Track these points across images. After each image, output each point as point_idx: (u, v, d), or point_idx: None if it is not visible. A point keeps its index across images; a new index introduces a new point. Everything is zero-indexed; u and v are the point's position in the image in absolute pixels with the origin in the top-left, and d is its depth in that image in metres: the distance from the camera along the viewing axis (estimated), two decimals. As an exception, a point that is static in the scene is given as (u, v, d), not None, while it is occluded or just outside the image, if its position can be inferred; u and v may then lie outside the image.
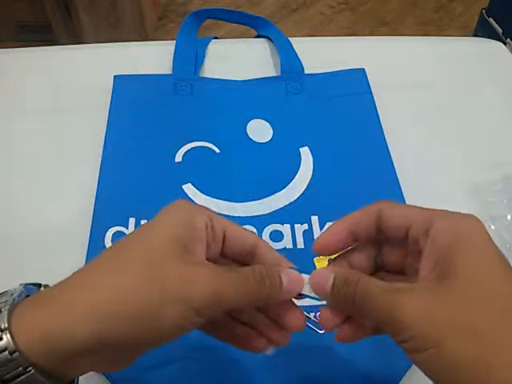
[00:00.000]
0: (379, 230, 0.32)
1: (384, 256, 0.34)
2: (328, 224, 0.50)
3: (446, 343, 0.26)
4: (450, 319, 0.26)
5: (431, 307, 0.27)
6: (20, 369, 0.25)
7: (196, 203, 0.51)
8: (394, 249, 0.33)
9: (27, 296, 0.29)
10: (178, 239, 0.29)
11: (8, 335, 0.25)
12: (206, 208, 0.33)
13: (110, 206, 0.50)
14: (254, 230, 0.49)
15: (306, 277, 0.32)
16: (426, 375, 0.28)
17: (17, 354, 0.25)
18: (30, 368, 0.26)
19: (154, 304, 0.27)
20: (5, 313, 0.26)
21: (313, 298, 0.31)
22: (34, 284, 0.31)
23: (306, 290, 0.31)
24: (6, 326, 0.26)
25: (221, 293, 0.28)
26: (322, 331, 0.43)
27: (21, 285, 0.30)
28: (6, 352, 0.25)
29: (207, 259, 0.31)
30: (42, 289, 0.31)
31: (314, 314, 0.44)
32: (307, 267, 0.46)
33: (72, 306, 0.26)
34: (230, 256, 0.34)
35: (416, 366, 0.28)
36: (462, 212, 0.31)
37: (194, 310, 0.27)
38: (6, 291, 0.29)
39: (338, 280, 0.30)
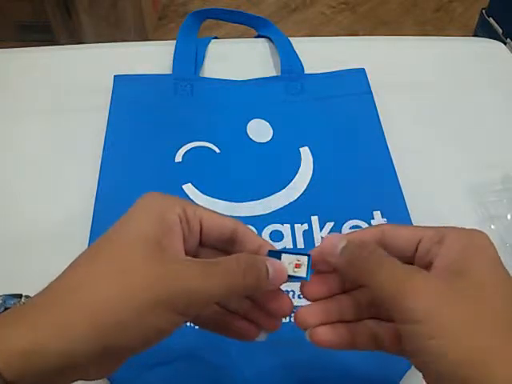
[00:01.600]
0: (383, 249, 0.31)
1: None
2: (328, 224, 0.50)
3: (460, 336, 0.25)
4: (460, 311, 0.25)
5: (444, 295, 0.26)
6: None
7: (196, 203, 0.51)
8: None
9: (5, 309, 0.28)
10: (151, 239, 0.28)
11: None
12: (178, 198, 0.31)
13: (109, 206, 0.50)
14: (254, 230, 0.49)
15: (290, 257, 0.31)
16: (415, 362, 0.27)
17: None
18: None
19: (132, 313, 0.26)
20: None
21: (298, 277, 0.31)
22: (15, 295, 0.31)
23: (291, 271, 0.31)
24: None
25: (203, 290, 0.27)
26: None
27: (0, 296, 0.30)
28: None
29: (186, 253, 0.30)
30: (23, 300, 0.31)
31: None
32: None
33: (46, 323, 0.25)
34: (210, 245, 0.32)
35: (413, 357, 0.27)
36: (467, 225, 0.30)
37: (175, 311, 0.26)
38: None
39: (351, 243, 0.29)
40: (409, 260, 0.30)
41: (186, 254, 0.30)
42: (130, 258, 0.27)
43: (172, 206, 0.30)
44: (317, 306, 0.32)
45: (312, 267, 0.31)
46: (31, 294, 0.31)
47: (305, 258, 0.31)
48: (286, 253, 0.31)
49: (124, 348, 0.26)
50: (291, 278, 0.31)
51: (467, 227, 0.30)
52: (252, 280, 0.28)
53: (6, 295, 0.30)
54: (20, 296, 0.31)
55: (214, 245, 0.32)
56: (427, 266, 0.29)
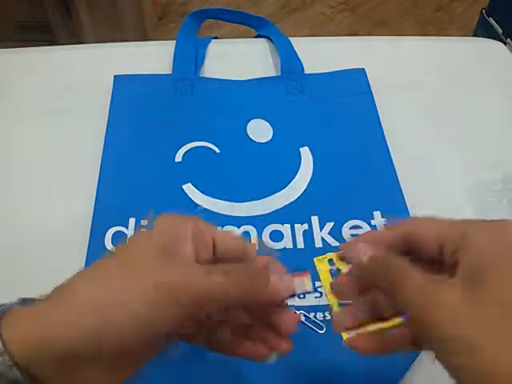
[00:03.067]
0: (407, 252, 0.31)
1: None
2: (328, 224, 0.50)
3: (486, 350, 0.24)
4: (485, 324, 0.25)
5: (467, 309, 0.25)
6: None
7: (195, 203, 0.51)
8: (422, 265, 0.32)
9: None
10: (165, 249, 0.29)
11: None
12: (191, 217, 0.33)
13: (109, 206, 0.50)
14: (254, 230, 0.49)
15: (293, 278, 0.32)
16: (452, 378, 0.26)
17: (5, 356, 0.25)
18: (13, 369, 0.25)
19: (144, 308, 0.27)
20: None
21: (304, 292, 0.32)
22: (31, 299, 0.31)
23: (297, 289, 0.32)
24: None
25: (210, 289, 0.28)
26: (322, 331, 0.43)
27: (18, 299, 0.30)
28: None
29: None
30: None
31: (313, 313, 0.44)
32: (307, 267, 0.47)
33: (61, 313, 0.26)
34: (223, 260, 0.33)
35: (444, 368, 0.27)
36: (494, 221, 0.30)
37: (181, 306, 0.27)
38: (2, 304, 0.29)
39: (376, 256, 0.30)
40: (439, 258, 0.30)
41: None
42: (146, 263, 0.29)
43: (184, 222, 0.32)
44: (351, 310, 0.32)
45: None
46: (31, 294, 0.31)
47: (308, 273, 0.33)
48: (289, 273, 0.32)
49: (135, 349, 0.27)
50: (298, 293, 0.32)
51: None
52: (256, 289, 0.30)
53: (23, 298, 0.30)
54: (34, 300, 0.31)
55: (227, 260, 0.33)
56: (454, 266, 0.28)
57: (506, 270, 0.26)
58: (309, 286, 0.33)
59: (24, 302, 0.29)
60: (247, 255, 0.33)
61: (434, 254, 0.30)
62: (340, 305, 0.33)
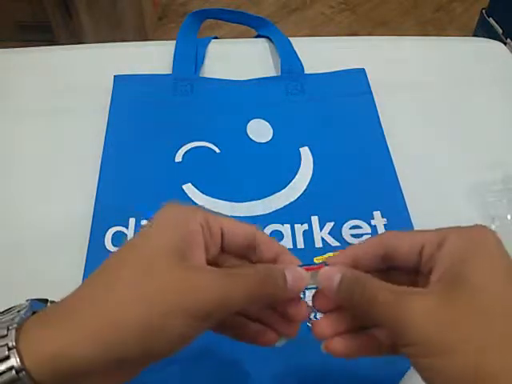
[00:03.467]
0: (386, 260, 0.31)
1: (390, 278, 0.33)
2: (328, 224, 0.50)
3: (453, 352, 0.25)
4: (457, 327, 0.26)
5: (439, 312, 0.26)
6: None
7: (195, 203, 0.51)
8: (401, 275, 0.32)
9: (33, 313, 0.29)
10: (175, 248, 0.29)
11: (16, 354, 0.25)
12: (198, 207, 0.32)
13: (109, 206, 0.50)
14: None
15: (308, 272, 0.31)
16: (425, 381, 0.27)
17: (23, 373, 0.25)
18: None
19: (155, 317, 0.26)
20: (12, 331, 0.26)
21: (314, 288, 0.32)
22: (41, 300, 0.31)
23: (309, 283, 0.31)
24: (14, 344, 0.25)
25: (224, 299, 0.28)
26: (322, 331, 0.43)
27: (27, 300, 0.30)
28: (13, 372, 0.25)
29: (207, 261, 0.31)
30: (49, 304, 0.31)
31: (313, 314, 0.44)
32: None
33: (75, 328, 0.26)
34: (231, 251, 0.33)
35: (417, 372, 0.27)
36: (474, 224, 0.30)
37: (197, 318, 0.27)
38: (13, 307, 0.29)
39: (345, 279, 0.30)
40: (416, 269, 0.30)
41: (207, 261, 0.31)
42: (154, 266, 0.28)
43: (194, 215, 0.31)
44: (330, 318, 0.32)
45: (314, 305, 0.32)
46: (31, 294, 0.31)
47: (322, 268, 0.31)
48: (302, 266, 0.31)
49: (149, 354, 0.27)
50: (311, 286, 0.31)
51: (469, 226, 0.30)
52: (270, 290, 0.29)
53: (32, 300, 0.30)
54: (46, 301, 0.31)
55: (234, 251, 0.33)
56: (430, 271, 0.29)
57: (481, 274, 0.27)
58: None
59: (35, 305, 0.30)
60: (258, 246, 0.32)
61: (412, 263, 0.30)
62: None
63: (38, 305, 0.30)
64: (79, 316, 0.26)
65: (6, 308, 0.29)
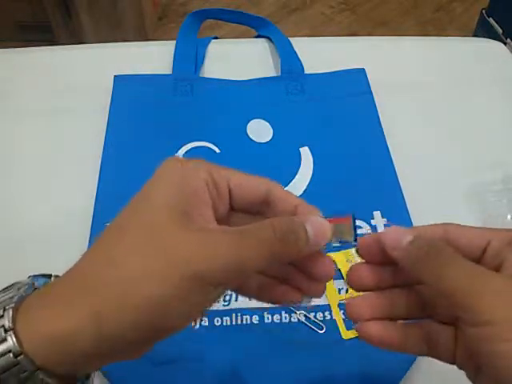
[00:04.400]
0: None
1: None
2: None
3: None
4: None
5: None
6: (26, 373, 0.23)
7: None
8: None
9: (35, 289, 0.27)
10: (180, 209, 0.25)
11: (13, 336, 0.23)
12: (201, 161, 0.28)
13: (109, 206, 0.50)
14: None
15: (332, 223, 0.28)
16: (483, 365, 0.25)
17: (22, 356, 0.23)
18: (37, 372, 0.23)
19: (166, 292, 0.23)
20: (9, 311, 0.24)
21: (343, 241, 0.28)
22: (45, 275, 0.29)
23: (334, 237, 0.28)
24: (11, 325, 0.23)
25: (241, 263, 0.25)
26: (322, 331, 0.43)
27: (29, 277, 0.28)
28: (11, 355, 0.23)
29: (217, 221, 0.28)
30: (53, 279, 0.29)
31: (314, 313, 0.44)
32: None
33: (73, 306, 0.24)
34: (241, 209, 0.29)
35: (484, 363, 0.25)
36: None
37: (212, 286, 0.24)
38: (14, 284, 0.27)
39: (419, 239, 0.27)
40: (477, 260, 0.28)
41: (217, 221, 0.28)
42: (159, 233, 0.25)
43: (195, 170, 0.27)
44: (369, 298, 0.30)
45: (364, 257, 0.29)
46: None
47: (349, 220, 0.28)
48: (327, 217, 0.28)
49: (166, 327, 0.25)
50: (335, 242, 0.28)
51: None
52: (291, 247, 0.26)
53: (34, 275, 0.28)
54: (50, 276, 0.29)
55: (246, 209, 0.29)
56: (496, 269, 0.27)
57: None
58: (349, 235, 0.28)
59: (38, 280, 0.28)
60: (274, 200, 0.29)
61: (475, 254, 0.28)
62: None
63: (42, 280, 0.28)
64: (81, 294, 0.24)
65: (7, 285, 0.27)
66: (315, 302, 0.45)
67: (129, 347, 0.25)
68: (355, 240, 0.28)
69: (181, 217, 0.25)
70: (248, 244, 0.25)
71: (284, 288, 0.29)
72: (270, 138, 0.57)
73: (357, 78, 0.62)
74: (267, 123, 0.58)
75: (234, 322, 0.43)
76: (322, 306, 0.44)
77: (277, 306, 0.30)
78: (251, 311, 0.44)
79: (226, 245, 0.25)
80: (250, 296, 0.30)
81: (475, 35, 1.47)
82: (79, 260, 0.26)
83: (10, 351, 0.23)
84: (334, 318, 0.44)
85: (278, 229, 0.26)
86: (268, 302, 0.30)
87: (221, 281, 0.25)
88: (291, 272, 0.29)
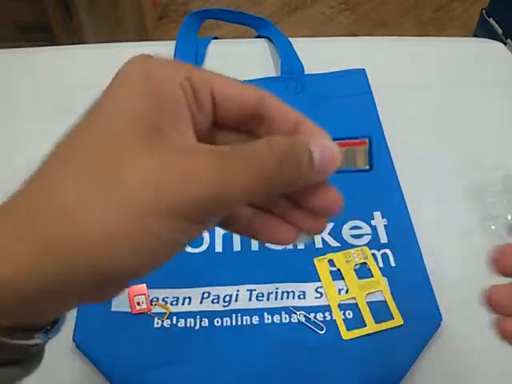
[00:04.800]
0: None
1: None
2: (328, 224, 0.49)
3: None
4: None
5: None
6: None
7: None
8: None
9: None
10: (142, 120, 0.20)
11: None
12: (178, 62, 0.23)
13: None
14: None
15: (342, 148, 0.23)
16: None
17: None
18: None
19: (128, 224, 0.19)
20: None
21: (356, 169, 0.24)
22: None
23: (345, 160, 0.23)
24: None
25: (225, 192, 0.19)
26: (322, 331, 0.43)
27: None
28: None
29: (197, 139, 0.22)
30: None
31: (314, 314, 0.44)
32: (308, 268, 0.47)
33: (14, 248, 0.19)
34: (229, 125, 0.24)
35: None
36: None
37: (188, 219, 0.19)
38: None
39: None
40: None
41: (198, 139, 0.22)
42: (119, 150, 0.19)
43: (171, 71, 0.21)
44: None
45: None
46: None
47: (364, 144, 0.24)
48: (337, 140, 0.23)
49: (122, 269, 0.19)
50: (347, 169, 0.23)
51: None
52: (291, 173, 0.21)
53: None
54: None
55: (233, 124, 0.24)
56: None
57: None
58: (362, 162, 0.24)
59: None
60: (268, 114, 0.23)
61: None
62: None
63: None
64: (20, 227, 0.19)
65: None
66: (315, 302, 0.45)
67: (85, 290, 0.20)
68: (370, 168, 0.24)
69: (148, 132, 0.20)
70: (234, 167, 0.19)
71: (278, 223, 0.24)
72: (270, 138, 0.56)
73: (357, 78, 0.62)
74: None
75: (233, 323, 0.43)
76: (322, 306, 0.44)
77: (272, 245, 0.24)
78: (251, 312, 0.44)
79: (205, 168, 0.19)
80: (237, 233, 0.25)
81: (475, 35, 1.47)
82: (14, 194, 0.21)
83: None
84: (334, 318, 0.44)
85: (275, 148, 0.20)
86: (257, 239, 0.25)
87: (198, 216, 0.20)
88: (287, 205, 0.24)
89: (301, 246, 0.48)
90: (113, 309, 0.44)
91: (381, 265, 0.47)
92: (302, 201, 0.23)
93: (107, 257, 0.19)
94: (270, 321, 0.43)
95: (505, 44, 0.70)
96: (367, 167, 0.24)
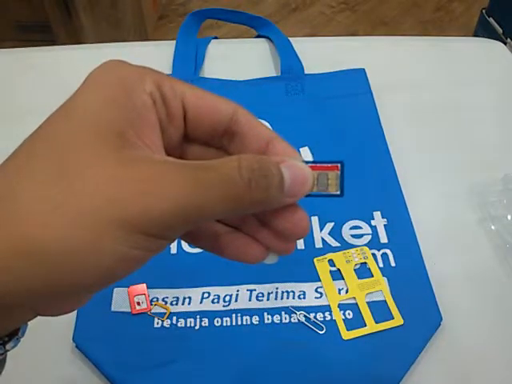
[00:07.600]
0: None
1: None
2: (328, 224, 0.50)
3: None
4: None
5: None
6: None
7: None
8: None
9: None
10: (108, 127, 0.19)
11: None
12: (148, 69, 0.22)
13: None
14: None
15: (314, 171, 0.22)
16: None
17: None
18: None
19: (84, 236, 0.17)
20: None
21: (327, 194, 0.23)
22: None
23: (317, 184, 0.23)
24: None
25: (191, 208, 0.19)
26: (322, 331, 0.43)
27: None
28: None
29: (166, 152, 0.21)
30: None
31: (314, 314, 0.44)
32: (307, 268, 0.47)
33: None
34: (199, 140, 0.23)
35: None
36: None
37: (149, 235, 0.18)
38: None
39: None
40: None
41: (166, 152, 0.21)
42: (77, 157, 0.18)
43: (140, 79, 0.21)
44: None
45: None
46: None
47: (336, 168, 0.23)
48: (309, 163, 0.22)
49: (75, 284, 0.18)
50: (317, 193, 0.23)
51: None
52: (260, 193, 0.20)
53: None
54: None
55: (205, 139, 0.23)
56: None
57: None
58: (334, 187, 0.23)
59: None
60: (240, 130, 0.23)
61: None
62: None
63: None
64: None
65: None
66: (315, 302, 0.45)
67: (38, 304, 0.20)
68: (341, 194, 0.23)
69: (111, 141, 0.19)
70: (202, 183, 0.19)
71: (246, 240, 0.23)
72: (269, 138, 0.56)
73: (357, 78, 0.62)
74: (267, 123, 0.58)
75: (233, 323, 0.43)
76: (322, 306, 0.44)
77: (240, 262, 0.23)
78: (251, 312, 0.44)
79: (174, 182, 0.18)
80: (204, 248, 0.24)
81: (475, 35, 1.47)
82: None
83: None
84: (334, 318, 0.44)
85: (245, 167, 0.20)
86: (223, 256, 0.24)
87: (159, 230, 0.19)
88: (255, 225, 0.23)
89: (300, 247, 0.48)
90: (113, 309, 0.44)
91: (381, 265, 0.47)
92: (269, 221, 0.23)
93: (56, 270, 0.18)
94: (269, 321, 0.43)
95: (505, 44, 0.70)
96: (338, 192, 0.23)
